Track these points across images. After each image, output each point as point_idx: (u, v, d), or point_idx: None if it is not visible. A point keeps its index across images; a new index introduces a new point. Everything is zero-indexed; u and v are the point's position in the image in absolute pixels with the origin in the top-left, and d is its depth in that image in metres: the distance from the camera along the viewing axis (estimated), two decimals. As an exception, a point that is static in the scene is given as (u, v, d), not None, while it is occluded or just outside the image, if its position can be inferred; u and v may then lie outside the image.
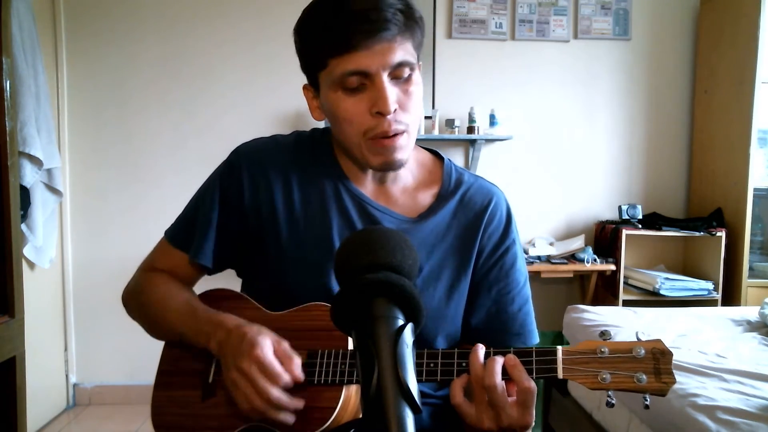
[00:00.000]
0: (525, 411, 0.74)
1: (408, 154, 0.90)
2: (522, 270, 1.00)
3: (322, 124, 1.06)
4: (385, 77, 0.82)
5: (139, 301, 1.01)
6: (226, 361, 0.83)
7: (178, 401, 0.93)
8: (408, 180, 0.99)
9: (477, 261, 0.97)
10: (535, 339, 0.98)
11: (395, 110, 0.84)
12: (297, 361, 0.81)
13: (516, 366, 0.74)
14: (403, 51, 0.83)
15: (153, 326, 1.00)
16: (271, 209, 0.96)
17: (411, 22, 0.84)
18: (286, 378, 0.79)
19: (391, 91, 0.83)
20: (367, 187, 0.97)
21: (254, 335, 0.81)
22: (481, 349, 0.77)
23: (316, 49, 0.85)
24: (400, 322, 0.50)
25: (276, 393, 0.78)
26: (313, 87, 0.92)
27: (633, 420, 1.74)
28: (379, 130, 0.85)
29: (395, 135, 0.86)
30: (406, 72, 0.85)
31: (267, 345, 0.80)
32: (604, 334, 0.76)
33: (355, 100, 0.84)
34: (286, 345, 0.82)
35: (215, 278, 1.05)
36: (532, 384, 0.74)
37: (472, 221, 0.97)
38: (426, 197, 0.99)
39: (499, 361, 0.75)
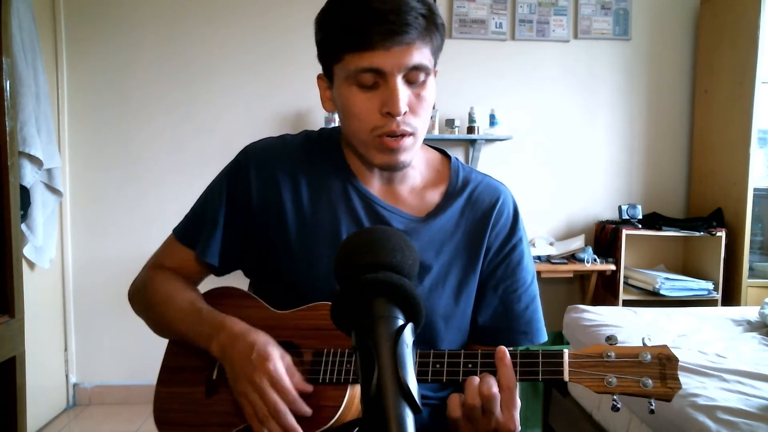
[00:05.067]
0: (509, 413, 0.74)
1: (412, 156, 0.90)
2: (529, 268, 1.00)
3: (324, 122, 1.06)
4: (399, 79, 0.83)
5: (144, 299, 1.02)
6: (234, 368, 0.83)
7: (180, 397, 0.93)
8: (416, 179, 0.99)
9: (484, 259, 0.97)
10: (543, 337, 0.98)
11: (405, 112, 0.85)
12: (300, 377, 0.82)
13: (503, 359, 0.75)
14: (420, 55, 0.83)
15: (157, 325, 1.01)
16: (279, 208, 0.96)
17: (431, 27, 0.85)
18: (294, 395, 0.80)
19: (403, 93, 0.84)
20: (375, 186, 0.97)
21: (264, 347, 0.82)
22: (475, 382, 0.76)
23: (334, 41, 0.85)
24: (400, 322, 0.50)
25: (284, 408, 0.79)
26: (327, 78, 0.92)
27: (633, 420, 1.74)
28: (386, 129, 0.85)
29: (402, 136, 0.86)
30: (421, 76, 0.86)
31: (278, 358, 0.81)
32: (611, 339, 0.76)
33: (367, 97, 0.85)
34: (289, 359, 0.83)
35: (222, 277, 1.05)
36: (512, 383, 0.74)
37: (479, 219, 0.98)
38: (434, 196, 0.99)
39: (494, 382, 0.75)
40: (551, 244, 3.14)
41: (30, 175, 2.46)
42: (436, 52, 0.88)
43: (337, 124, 1.47)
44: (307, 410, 0.80)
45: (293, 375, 0.82)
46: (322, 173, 0.97)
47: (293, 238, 0.95)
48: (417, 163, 0.98)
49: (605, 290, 3.11)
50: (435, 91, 0.91)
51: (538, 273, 2.93)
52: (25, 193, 2.47)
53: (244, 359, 0.81)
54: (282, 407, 0.78)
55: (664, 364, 0.72)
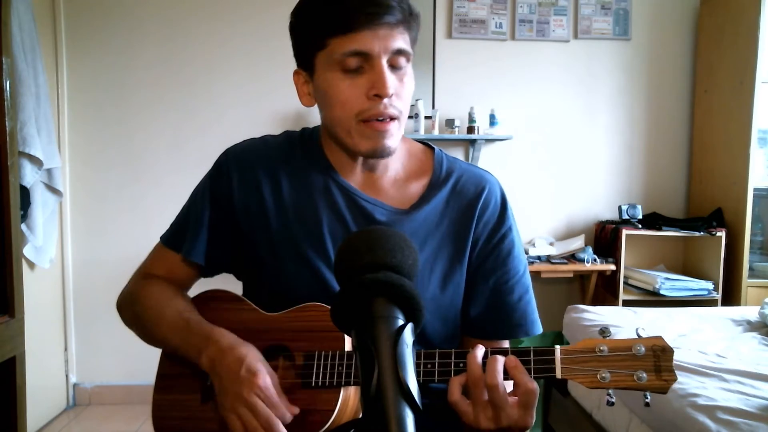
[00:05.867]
0: (525, 412, 0.73)
1: (397, 142, 0.90)
2: (521, 258, 0.99)
3: (314, 120, 1.06)
4: (384, 62, 0.84)
5: (133, 310, 1.01)
6: (222, 383, 0.83)
7: (178, 405, 0.92)
8: (398, 171, 0.99)
9: (473, 250, 0.96)
10: (538, 329, 0.97)
11: (392, 95, 0.85)
12: (285, 398, 0.82)
13: (517, 367, 0.74)
14: (402, 40, 0.85)
15: (147, 336, 1.00)
16: (261, 208, 0.96)
17: (411, 17, 0.86)
18: (284, 411, 0.80)
19: (390, 75, 0.84)
20: (356, 178, 0.97)
21: (253, 363, 0.81)
22: (479, 350, 0.76)
23: (317, 27, 0.85)
24: (400, 322, 0.49)
25: (277, 423, 0.79)
26: (306, 71, 0.91)
27: (633, 420, 1.74)
28: (373, 112, 0.85)
29: (389, 120, 0.86)
30: (403, 62, 0.86)
31: (266, 374, 0.81)
32: (604, 332, 0.75)
33: (352, 82, 0.85)
34: (276, 379, 0.83)
35: (214, 280, 1.05)
36: (534, 385, 0.73)
37: (465, 209, 0.97)
38: (417, 187, 0.98)
39: (501, 360, 0.74)
40: (551, 244, 3.14)
41: (30, 175, 2.46)
42: (413, 42, 0.89)
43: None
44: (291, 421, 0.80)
45: (280, 393, 0.82)
46: (302, 171, 0.97)
47: (277, 239, 0.94)
48: (399, 154, 0.98)
49: (605, 290, 3.11)
50: (414, 80, 0.91)
51: (538, 273, 2.93)
52: (25, 193, 2.47)
53: (233, 374, 0.81)
54: (275, 422, 0.78)
55: (658, 356, 0.71)
